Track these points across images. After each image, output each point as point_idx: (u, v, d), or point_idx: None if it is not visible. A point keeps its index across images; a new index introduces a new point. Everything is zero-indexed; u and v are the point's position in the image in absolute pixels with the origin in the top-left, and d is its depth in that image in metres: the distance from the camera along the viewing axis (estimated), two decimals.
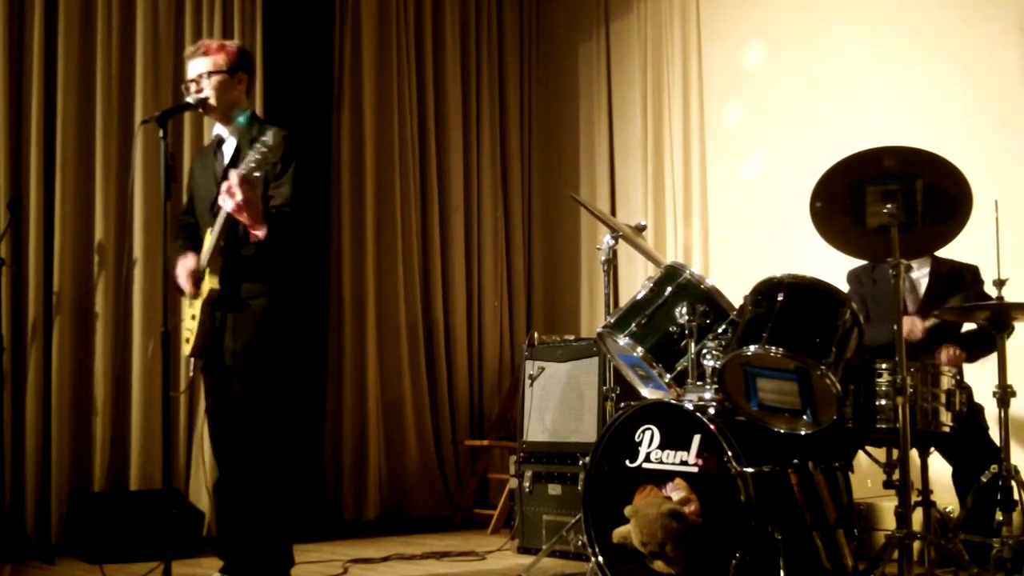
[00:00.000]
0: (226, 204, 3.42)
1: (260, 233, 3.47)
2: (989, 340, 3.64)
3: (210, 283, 3.58)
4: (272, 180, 3.59)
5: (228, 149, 3.75)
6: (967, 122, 4.84)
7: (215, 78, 3.65)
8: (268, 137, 3.37)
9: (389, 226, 6.20)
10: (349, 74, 6.20)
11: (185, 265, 3.72)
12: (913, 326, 4.01)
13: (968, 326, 4.13)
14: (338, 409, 6.02)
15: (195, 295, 3.69)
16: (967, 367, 4.09)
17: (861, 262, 4.16)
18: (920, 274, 4.19)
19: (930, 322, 4.03)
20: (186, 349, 3.75)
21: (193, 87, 3.68)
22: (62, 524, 5.01)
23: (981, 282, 4.11)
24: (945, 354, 3.94)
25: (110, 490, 5.13)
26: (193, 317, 3.67)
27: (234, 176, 3.38)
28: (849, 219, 3.41)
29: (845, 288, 4.32)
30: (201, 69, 3.66)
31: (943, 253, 4.16)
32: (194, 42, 4.17)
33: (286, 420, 3.73)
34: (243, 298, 3.62)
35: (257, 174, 3.41)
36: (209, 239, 3.62)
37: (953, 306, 3.81)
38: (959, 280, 4.15)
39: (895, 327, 3.27)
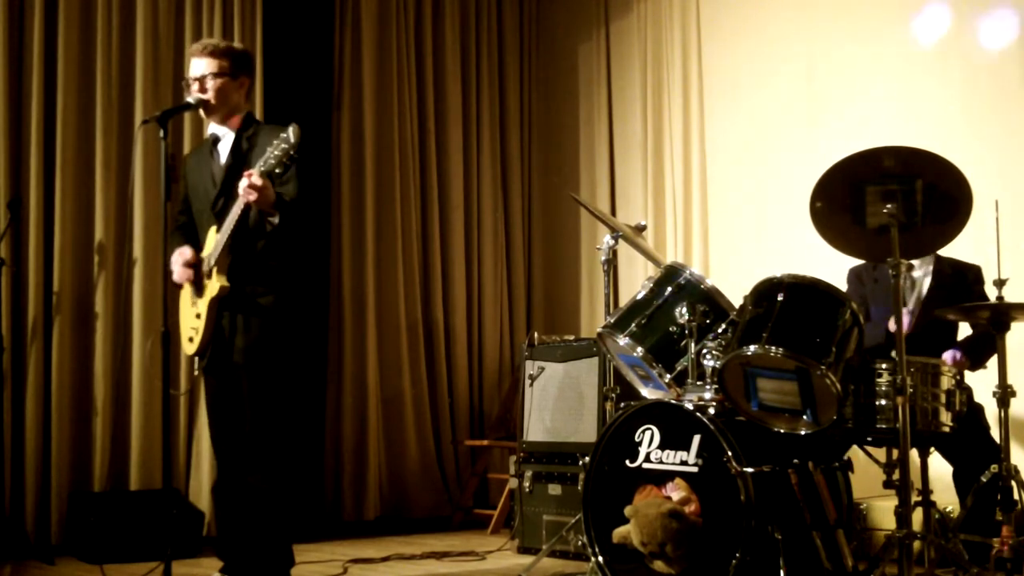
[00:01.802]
0: (249, 196, 3.41)
1: (275, 219, 3.52)
2: (989, 344, 3.64)
3: (219, 281, 3.58)
4: (276, 178, 3.60)
5: (224, 148, 3.75)
6: (967, 122, 4.84)
7: (218, 80, 3.66)
8: (289, 134, 3.34)
9: (389, 226, 6.20)
10: (349, 74, 6.19)
11: (181, 254, 3.69)
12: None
13: (965, 331, 4.13)
14: (338, 409, 6.02)
15: (197, 291, 3.68)
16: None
17: (859, 261, 4.16)
18: (922, 273, 4.19)
19: (913, 306, 4.03)
20: (189, 348, 3.74)
21: (195, 86, 3.68)
22: (62, 524, 5.01)
23: (983, 283, 4.11)
24: (951, 356, 3.94)
25: (110, 490, 5.13)
26: (198, 316, 3.66)
27: (256, 176, 3.37)
28: (849, 219, 3.41)
29: (845, 286, 4.32)
30: (204, 70, 3.67)
31: (945, 252, 4.16)
32: (194, 42, 4.17)
33: (290, 419, 3.74)
34: (250, 297, 3.62)
35: (278, 171, 3.39)
36: (216, 237, 3.61)
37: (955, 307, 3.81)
38: (962, 280, 4.15)
39: (894, 326, 3.27)
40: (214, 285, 3.59)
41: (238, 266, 3.62)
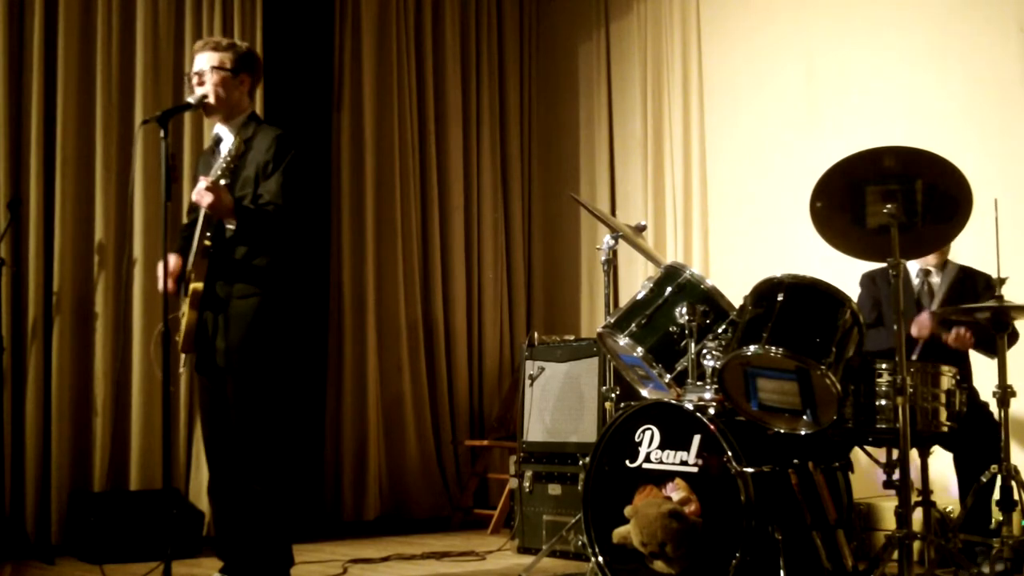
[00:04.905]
0: (201, 200, 3.47)
1: (231, 226, 3.54)
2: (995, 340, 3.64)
3: (193, 285, 3.60)
4: (263, 179, 3.61)
5: (225, 149, 3.75)
6: (967, 122, 4.84)
7: (217, 75, 3.65)
8: (231, 144, 3.52)
9: (389, 226, 6.20)
10: (349, 74, 6.19)
11: (168, 264, 3.69)
12: (921, 326, 4.03)
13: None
14: (338, 409, 6.01)
15: (182, 292, 3.69)
16: (973, 367, 4.11)
17: (858, 261, 4.16)
18: (939, 278, 4.22)
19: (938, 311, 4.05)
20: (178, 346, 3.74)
21: (195, 80, 3.69)
22: (62, 524, 5.01)
23: (993, 290, 4.10)
24: (955, 332, 3.95)
25: (110, 490, 5.13)
26: (182, 315, 3.68)
27: (202, 182, 3.46)
28: (849, 219, 3.41)
29: (854, 286, 4.32)
30: (205, 64, 3.67)
31: (957, 259, 4.18)
32: (194, 42, 4.17)
33: (282, 420, 3.72)
34: (233, 298, 3.61)
35: (223, 182, 3.50)
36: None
37: (955, 307, 3.81)
38: (972, 285, 4.17)
39: (906, 330, 3.27)
40: (192, 289, 3.61)
41: (217, 267, 3.62)
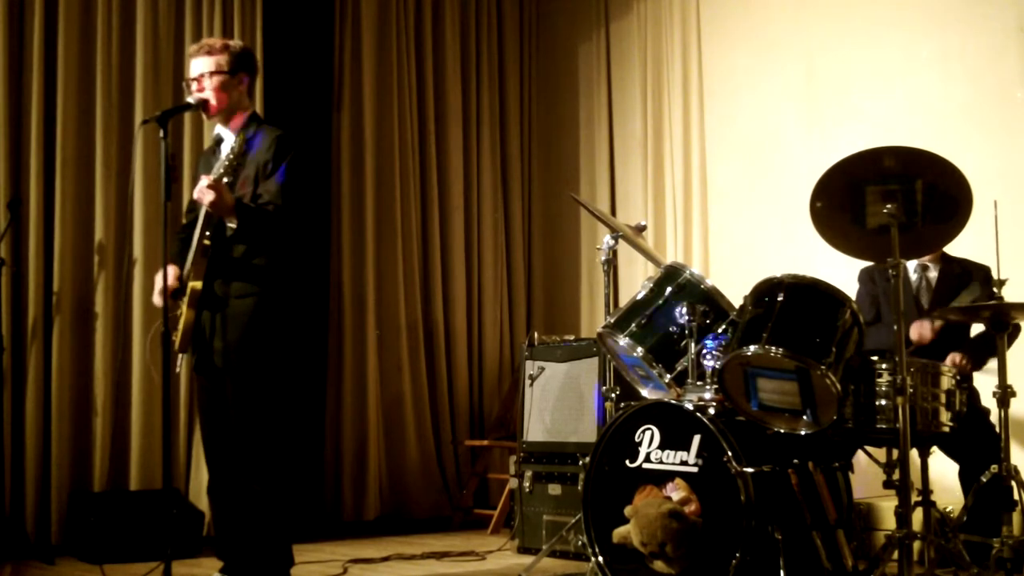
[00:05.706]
0: (203, 197, 3.47)
1: (232, 225, 3.54)
2: (991, 344, 3.64)
3: (192, 284, 3.60)
4: (263, 179, 3.61)
5: (227, 148, 3.75)
6: (967, 122, 4.84)
7: (216, 78, 3.66)
8: (233, 142, 3.53)
9: (389, 226, 6.20)
10: (349, 74, 6.19)
11: (161, 278, 3.67)
12: (923, 331, 4.03)
13: (977, 328, 4.14)
14: (338, 409, 6.02)
15: (177, 299, 3.69)
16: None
17: (858, 261, 4.17)
18: (936, 273, 4.22)
19: (938, 323, 4.04)
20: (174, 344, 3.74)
21: (194, 86, 3.69)
22: (62, 524, 5.01)
23: (992, 283, 4.10)
24: (951, 359, 3.96)
25: (110, 490, 5.13)
26: (180, 314, 3.68)
27: (204, 180, 3.47)
28: (849, 219, 3.41)
29: (854, 286, 4.32)
30: (202, 69, 3.67)
31: (957, 253, 4.17)
32: (194, 41, 4.17)
33: (281, 419, 3.72)
34: (231, 297, 3.61)
35: (226, 180, 3.50)
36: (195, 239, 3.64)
37: (956, 306, 3.81)
38: (969, 279, 4.16)
39: (906, 329, 3.26)
40: (189, 288, 3.61)
41: (216, 266, 3.62)
